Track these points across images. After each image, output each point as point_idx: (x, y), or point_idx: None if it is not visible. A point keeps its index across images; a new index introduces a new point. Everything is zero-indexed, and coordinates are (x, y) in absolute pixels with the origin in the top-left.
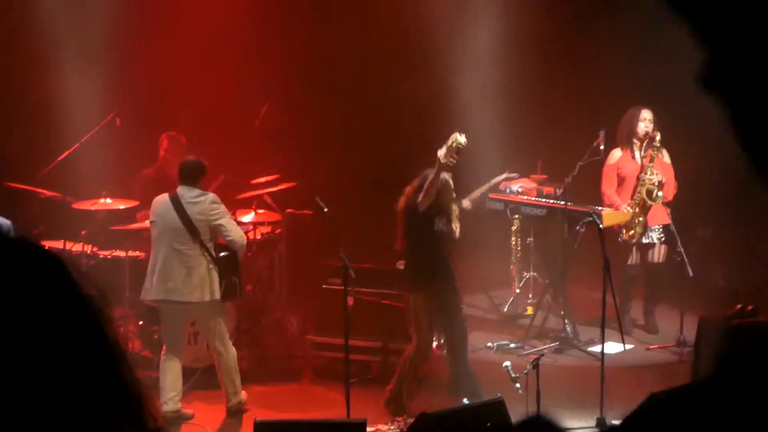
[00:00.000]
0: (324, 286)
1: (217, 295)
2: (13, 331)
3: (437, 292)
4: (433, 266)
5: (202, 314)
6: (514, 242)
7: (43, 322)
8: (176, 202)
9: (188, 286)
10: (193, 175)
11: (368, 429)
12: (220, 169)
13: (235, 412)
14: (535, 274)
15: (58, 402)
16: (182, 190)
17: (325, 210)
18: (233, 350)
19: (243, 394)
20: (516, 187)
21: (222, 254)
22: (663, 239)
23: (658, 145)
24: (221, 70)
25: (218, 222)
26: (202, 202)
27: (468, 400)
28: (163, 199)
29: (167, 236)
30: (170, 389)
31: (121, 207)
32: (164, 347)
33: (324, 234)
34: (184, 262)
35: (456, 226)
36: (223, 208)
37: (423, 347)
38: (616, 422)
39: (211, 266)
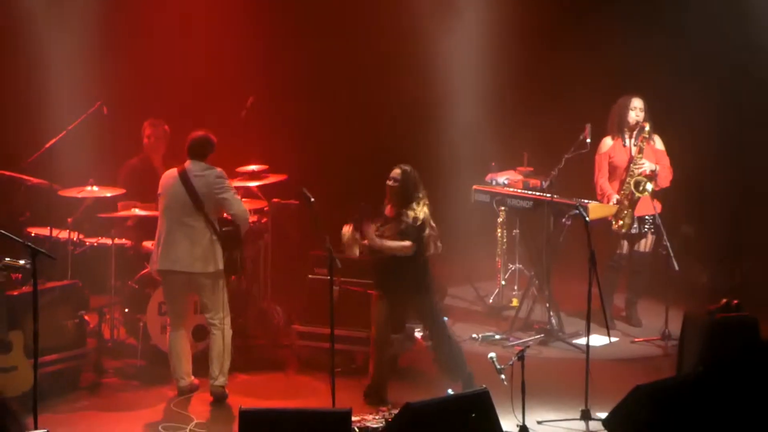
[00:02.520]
0: (310, 276)
1: (220, 266)
2: None
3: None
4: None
5: (205, 286)
6: (499, 234)
7: None
8: (183, 176)
9: (191, 257)
10: (200, 150)
11: (353, 418)
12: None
13: (218, 395)
14: (521, 266)
15: None
16: (190, 165)
17: (312, 200)
18: (230, 330)
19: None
20: (502, 179)
21: (225, 228)
22: (652, 230)
23: (647, 135)
24: (208, 60)
25: (221, 196)
26: (207, 176)
27: (464, 386)
28: (171, 173)
29: (173, 209)
30: (179, 366)
31: (108, 195)
32: (169, 321)
33: (310, 224)
34: (188, 235)
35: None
36: (227, 183)
37: (377, 338)
38: (602, 414)
39: (215, 238)
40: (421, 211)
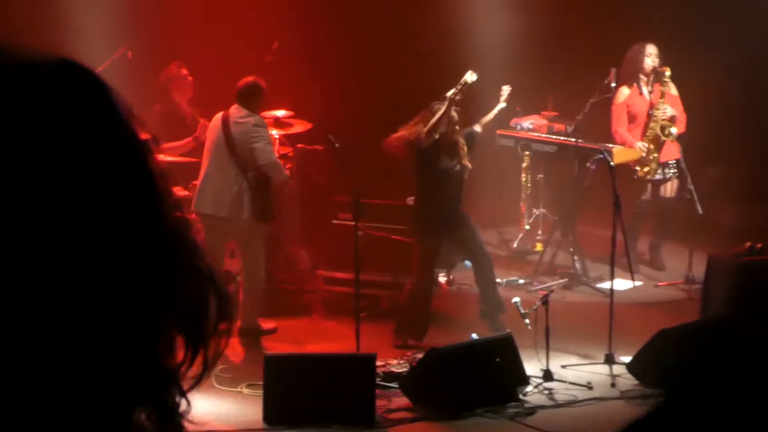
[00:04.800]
0: (334, 221)
1: (247, 214)
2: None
3: (447, 237)
4: (441, 210)
5: (238, 233)
6: (524, 179)
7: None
8: (225, 120)
9: (220, 202)
10: (245, 97)
11: (377, 363)
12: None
13: (246, 334)
14: (545, 210)
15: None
16: (233, 109)
17: (337, 146)
18: (262, 276)
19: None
20: (527, 123)
21: (254, 175)
22: (676, 174)
23: (668, 80)
24: (234, 3)
25: (253, 145)
26: (245, 123)
27: (491, 327)
28: (217, 116)
29: (212, 152)
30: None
31: None
32: None
33: (335, 169)
34: (221, 179)
35: (465, 161)
36: (262, 132)
37: (421, 284)
38: (626, 358)
39: (245, 185)
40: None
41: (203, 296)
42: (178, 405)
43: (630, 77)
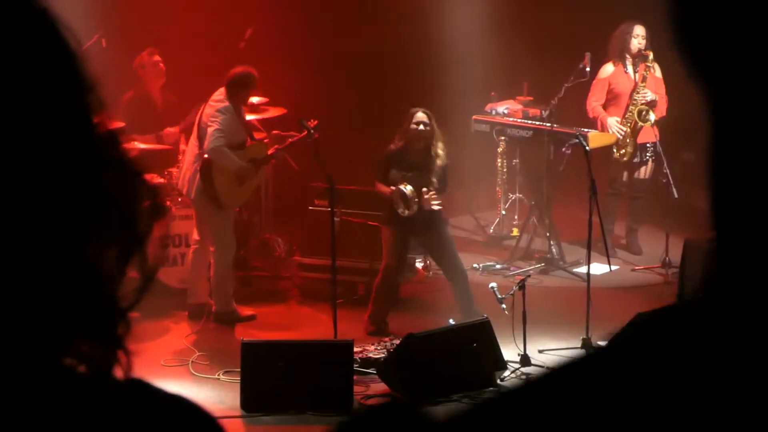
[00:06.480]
0: (311, 207)
1: (195, 195)
2: None
3: (414, 233)
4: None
5: (199, 209)
6: (499, 164)
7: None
8: (206, 101)
9: (184, 180)
10: (231, 85)
11: (355, 349)
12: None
13: (221, 320)
14: (521, 195)
15: None
16: (216, 92)
17: (312, 131)
18: (226, 257)
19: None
20: (502, 108)
21: (204, 158)
22: (653, 157)
23: (650, 64)
24: None
25: (207, 128)
26: (214, 106)
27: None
28: None
29: (192, 132)
30: (193, 283)
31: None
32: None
33: (310, 155)
34: (188, 158)
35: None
36: (222, 119)
37: (389, 273)
38: (602, 343)
39: (198, 166)
40: (444, 153)
41: (133, 193)
42: (116, 327)
43: (616, 56)
